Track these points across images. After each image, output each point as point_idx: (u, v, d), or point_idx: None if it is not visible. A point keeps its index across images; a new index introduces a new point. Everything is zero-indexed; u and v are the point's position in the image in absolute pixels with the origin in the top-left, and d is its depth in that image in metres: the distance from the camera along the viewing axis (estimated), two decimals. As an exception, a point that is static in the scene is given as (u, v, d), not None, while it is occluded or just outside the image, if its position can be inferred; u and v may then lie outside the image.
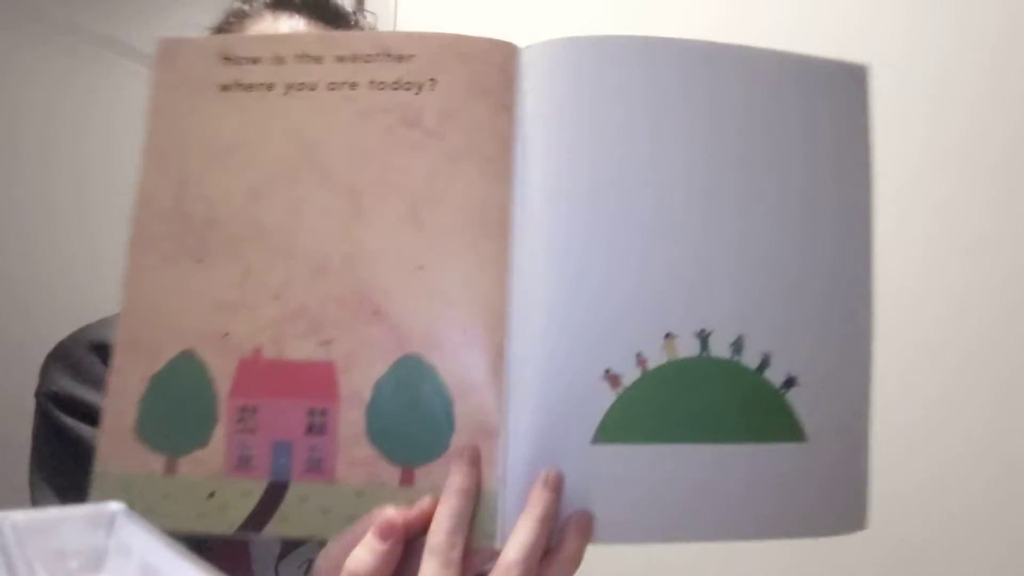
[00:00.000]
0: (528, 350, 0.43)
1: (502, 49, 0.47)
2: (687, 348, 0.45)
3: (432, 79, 0.45)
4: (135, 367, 0.43)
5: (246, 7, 0.74)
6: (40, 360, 0.68)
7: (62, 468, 0.63)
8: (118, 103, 1.02)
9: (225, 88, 0.46)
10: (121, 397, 0.43)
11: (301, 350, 0.43)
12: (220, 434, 0.43)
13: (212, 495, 0.42)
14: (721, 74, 0.47)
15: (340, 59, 0.46)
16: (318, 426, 0.43)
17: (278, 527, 0.42)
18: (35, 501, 0.62)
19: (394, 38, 0.47)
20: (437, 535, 0.40)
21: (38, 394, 0.66)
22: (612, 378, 0.44)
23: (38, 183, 0.95)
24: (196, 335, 0.43)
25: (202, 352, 0.43)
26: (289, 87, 0.46)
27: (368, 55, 0.46)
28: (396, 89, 0.45)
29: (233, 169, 0.45)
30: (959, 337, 1.00)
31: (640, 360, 0.44)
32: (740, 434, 0.45)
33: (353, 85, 0.46)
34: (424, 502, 0.42)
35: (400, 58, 0.46)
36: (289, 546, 0.67)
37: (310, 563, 0.67)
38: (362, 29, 0.78)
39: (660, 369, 0.44)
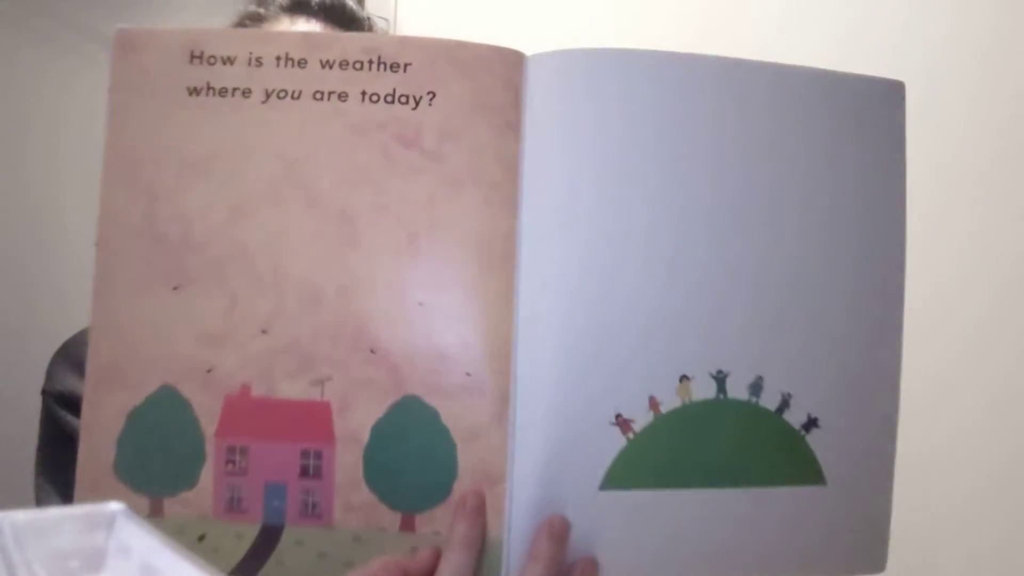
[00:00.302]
0: (535, 393, 0.41)
1: (507, 58, 0.43)
2: (703, 390, 0.43)
3: (431, 92, 0.42)
4: (110, 401, 0.41)
5: (261, 10, 0.74)
6: (41, 360, 0.68)
7: (67, 467, 0.61)
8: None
9: (194, 91, 0.42)
10: (97, 433, 0.41)
11: (293, 388, 0.41)
12: (208, 474, 0.40)
13: (202, 538, 0.40)
14: (749, 95, 0.44)
15: (327, 64, 0.42)
16: (313, 469, 0.41)
17: (274, 571, 0.40)
18: (39, 500, 0.63)
19: (388, 43, 0.43)
20: None
21: (44, 393, 0.66)
22: (623, 423, 0.42)
23: (40, 183, 0.95)
24: (177, 369, 0.41)
25: (184, 387, 0.41)
26: (269, 94, 0.42)
27: (359, 62, 0.42)
28: (391, 103, 0.42)
29: (211, 185, 0.42)
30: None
31: (652, 403, 0.43)
32: (758, 478, 0.44)
33: (343, 96, 0.42)
34: (424, 555, 0.40)
35: (395, 67, 0.42)
36: None
37: None
38: (362, 31, 0.76)
39: (674, 413, 0.43)
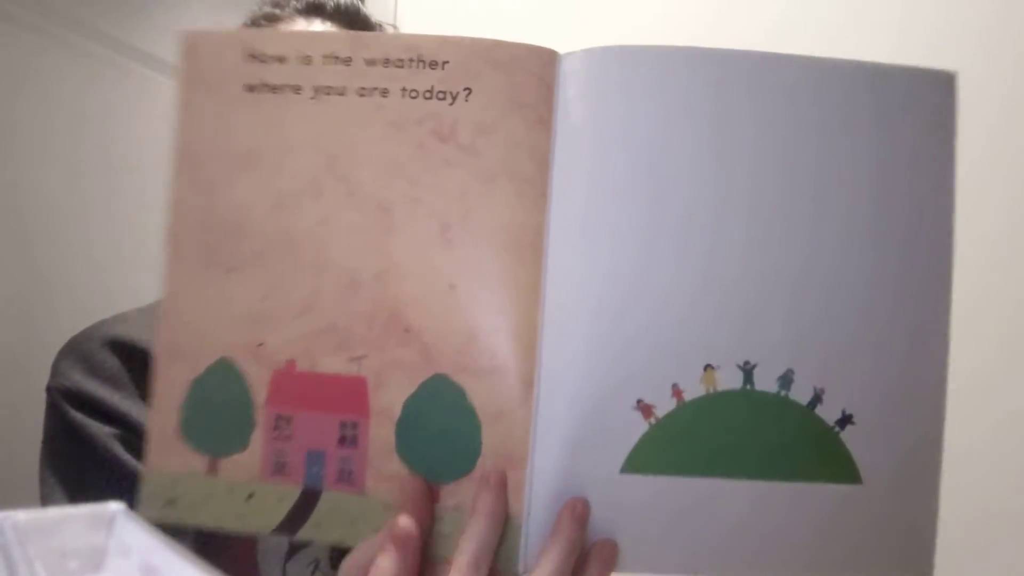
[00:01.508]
0: (559, 378, 0.43)
1: (541, 56, 0.44)
2: (729, 380, 0.43)
3: (467, 88, 0.44)
4: (176, 371, 0.45)
5: (277, 11, 0.76)
6: (41, 358, 0.68)
7: (72, 464, 0.64)
8: (120, 104, 1.05)
9: (251, 88, 0.45)
10: (165, 399, 0.45)
11: (333, 364, 0.44)
12: (258, 439, 0.44)
13: (251, 497, 0.44)
14: (791, 87, 0.43)
15: (371, 62, 0.44)
16: (350, 439, 0.43)
17: (311, 532, 0.43)
18: (44, 497, 0.63)
19: (428, 42, 0.45)
20: (463, 555, 0.41)
21: (49, 389, 0.66)
22: (644, 408, 0.42)
23: (40, 182, 0.97)
24: (232, 344, 0.44)
25: (239, 360, 0.44)
26: (317, 91, 0.44)
27: (400, 59, 0.44)
28: (429, 98, 0.44)
29: (262, 176, 0.45)
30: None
31: (676, 391, 0.43)
32: (785, 472, 0.43)
33: (384, 92, 0.44)
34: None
35: (433, 64, 0.44)
36: (297, 545, 0.68)
37: (318, 562, 0.69)
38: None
39: (696, 401, 0.43)
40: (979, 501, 0.90)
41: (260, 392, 0.44)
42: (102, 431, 0.64)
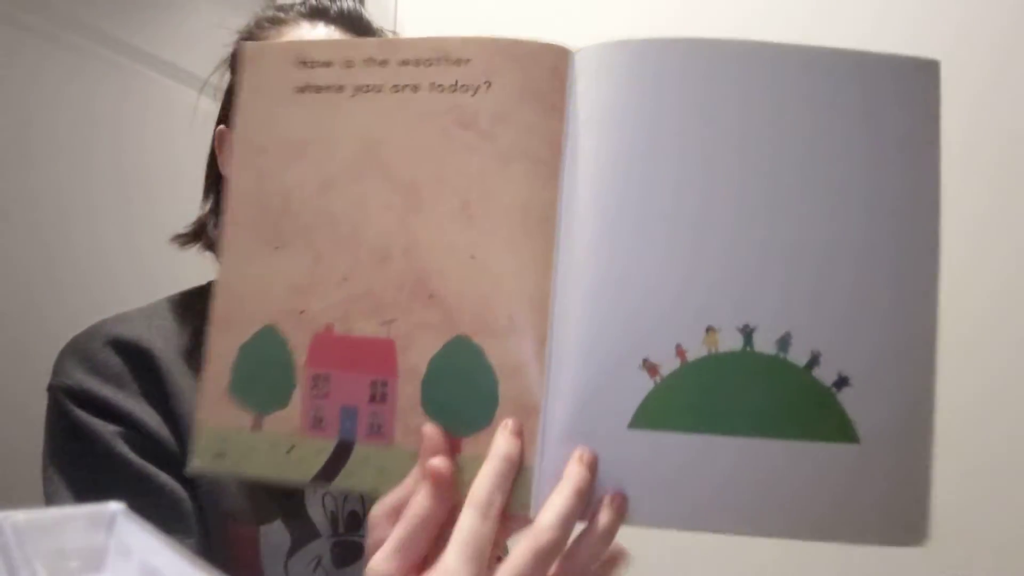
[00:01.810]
0: (570, 337, 0.46)
1: (555, 52, 0.49)
2: (730, 342, 0.45)
3: (487, 82, 0.48)
4: (228, 337, 0.50)
5: (281, 14, 0.78)
6: (45, 361, 0.68)
7: (77, 462, 0.64)
8: (127, 107, 1.03)
9: (300, 90, 0.51)
10: (218, 362, 0.50)
11: (366, 328, 0.48)
12: (298, 397, 0.49)
13: (291, 449, 0.48)
14: (780, 74, 0.46)
15: (404, 63, 0.50)
16: (379, 396, 0.48)
17: (344, 481, 0.48)
18: (49, 495, 0.63)
19: (453, 43, 0.49)
20: (478, 491, 0.44)
21: (51, 387, 0.67)
22: (650, 367, 0.45)
23: (40, 183, 0.96)
24: (277, 312, 0.49)
25: (282, 327, 0.49)
26: (357, 89, 0.50)
27: (428, 59, 0.49)
28: (454, 91, 0.49)
29: (306, 164, 0.50)
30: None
31: (679, 351, 0.45)
32: (784, 430, 0.45)
33: (415, 88, 0.49)
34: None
35: (458, 62, 0.49)
36: (299, 542, 0.69)
37: (319, 559, 0.70)
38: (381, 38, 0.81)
39: (699, 361, 0.45)
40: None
41: (300, 355, 0.49)
42: (106, 429, 0.64)
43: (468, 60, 0.48)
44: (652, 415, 0.45)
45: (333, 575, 0.71)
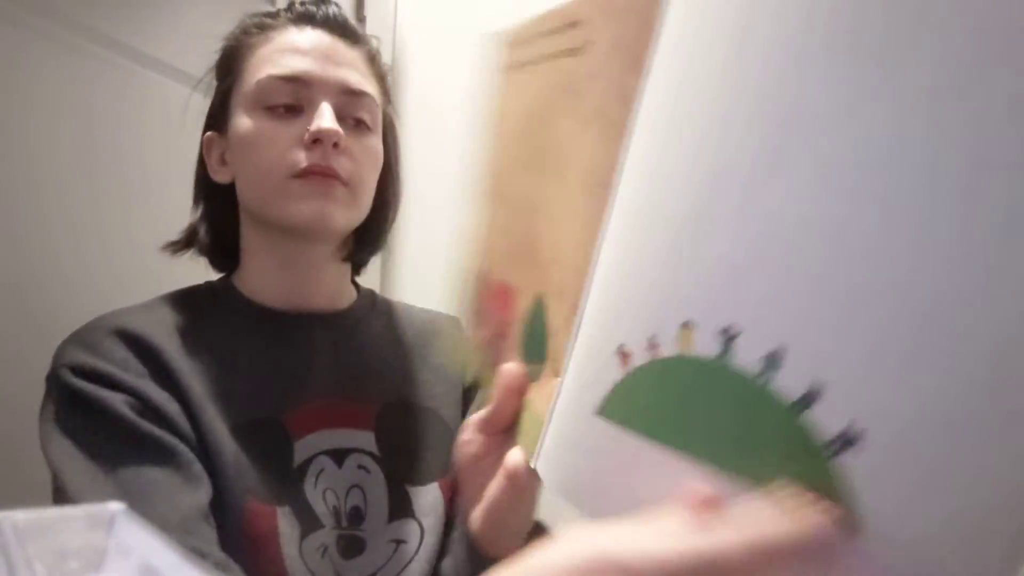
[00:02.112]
0: (587, 309, 0.44)
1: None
2: (706, 345, 0.35)
3: (589, 41, 0.47)
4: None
5: (269, 20, 0.79)
6: (40, 358, 0.69)
7: (86, 428, 0.64)
8: (120, 105, 1.03)
9: (505, 69, 0.57)
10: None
11: (506, 276, 0.56)
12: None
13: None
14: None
15: (540, 35, 0.52)
16: (502, 334, 0.56)
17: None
18: (59, 467, 0.63)
19: (572, 7, 0.49)
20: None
21: (54, 369, 0.67)
22: (623, 355, 0.40)
23: (39, 183, 0.96)
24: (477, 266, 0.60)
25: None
26: (515, 66, 0.55)
27: (556, 28, 0.51)
28: (567, 56, 0.49)
29: (494, 137, 0.57)
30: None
31: (651, 344, 0.38)
32: (750, 475, 0.33)
33: (548, 57, 0.52)
34: None
35: (573, 24, 0.49)
36: (308, 529, 0.71)
37: (326, 548, 0.72)
38: (368, 44, 0.82)
39: (664, 361, 0.37)
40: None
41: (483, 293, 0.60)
42: (114, 397, 0.64)
43: (579, 22, 0.48)
44: (616, 408, 0.40)
45: (340, 565, 0.73)
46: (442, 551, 0.80)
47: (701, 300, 0.35)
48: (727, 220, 0.34)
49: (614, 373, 0.40)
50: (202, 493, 0.64)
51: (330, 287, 0.84)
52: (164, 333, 0.71)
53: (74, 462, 0.63)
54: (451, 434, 0.84)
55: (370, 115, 0.79)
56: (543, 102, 0.51)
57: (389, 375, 0.84)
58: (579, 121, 0.48)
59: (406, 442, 0.81)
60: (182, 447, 0.65)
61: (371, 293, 0.91)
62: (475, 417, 0.56)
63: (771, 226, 0.33)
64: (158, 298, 0.77)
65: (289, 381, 0.76)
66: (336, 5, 0.81)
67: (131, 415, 0.64)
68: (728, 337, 0.34)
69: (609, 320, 0.41)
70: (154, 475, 0.62)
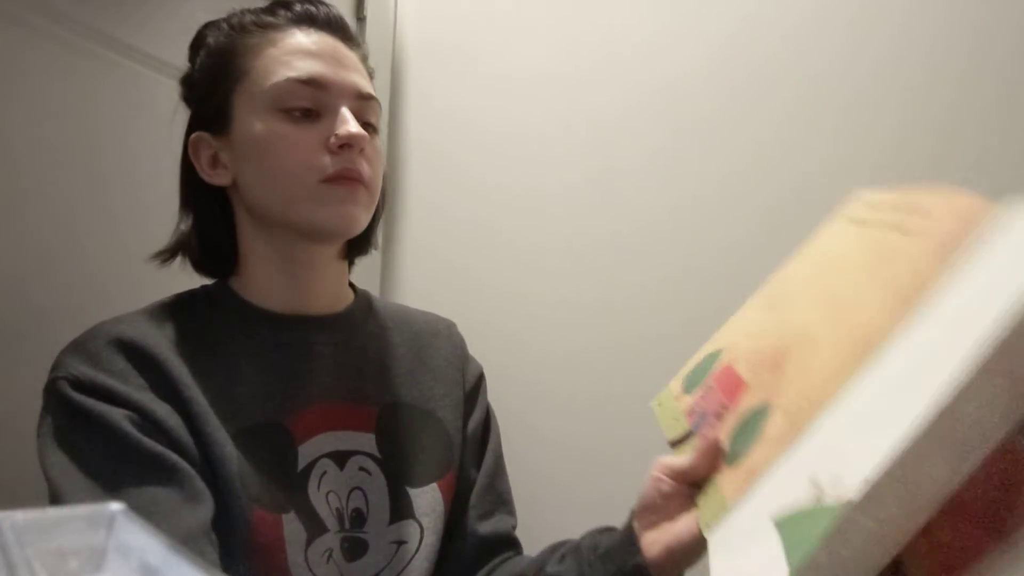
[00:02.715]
0: (804, 441, 0.49)
1: (983, 208, 0.46)
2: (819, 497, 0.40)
3: (924, 231, 0.50)
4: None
5: (269, 18, 0.78)
6: (40, 360, 0.69)
7: (86, 443, 0.64)
8: (120, 105, 1.03)
9: (849, 219, 0.62)
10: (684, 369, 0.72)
11: (742, 370, 0.61)
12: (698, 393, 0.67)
13: (676, 419, 0.68)
14: None
15: (892, 207, 0.57)
16: (719, 415, 0.61)
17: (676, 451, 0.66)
18: (57, 486, 0.62)
19: (932, 201, 0.52)
20: None
21: (52, 381, 0.67)
22: (815, 485, 0.41)
23: (41, 183, 0.95)
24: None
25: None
26: (863, 221, 0.60)
27: (906, 206, 0.55)
28: (897, 232, 0.53)
29: (801, 260, 0.65)
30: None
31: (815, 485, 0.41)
32: None
33: (880, 224, 0.56)
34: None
35: (921, 212, 0.52)
36: (313, 534, 0.72)
37: (331, 552, 0.72)
38: (359, 45, 0.83)
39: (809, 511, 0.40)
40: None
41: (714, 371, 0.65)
42: (113, 412, 0.64)
43: (927, 213, 0.51)
44: (791, 533, 0.41)
45: (344, 568, 0.73)
46: (442, 551, 0.80)
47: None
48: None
49: (804, 499, 0.41)
50: (203, 510, 0.64)
51: (331, 289, 0.84)
52: (164, 341, 0.71)
53: (73, 479, 0.62)
54: (449, 435, 0.85)
55: (376, 118, 0.79)
56: (856, 255, 0.56)
57: (389, 377, 0.84)
58: (877, 286, 0.51)
59: (406, 444, 0.81)
60: (183, 464, 0.64)
61: (367, 295, 0.91)
62: (670, 462, 0.63)
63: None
64: (156, 304, 0.77)
65: (292, 384, 0.76)
66: (332, 6, 0.81)
67: (132, 431, 0.64)
68: (819, 487, 0.40)
69: (807, 451, 0.46)
70: (155, 494, 0.62)
